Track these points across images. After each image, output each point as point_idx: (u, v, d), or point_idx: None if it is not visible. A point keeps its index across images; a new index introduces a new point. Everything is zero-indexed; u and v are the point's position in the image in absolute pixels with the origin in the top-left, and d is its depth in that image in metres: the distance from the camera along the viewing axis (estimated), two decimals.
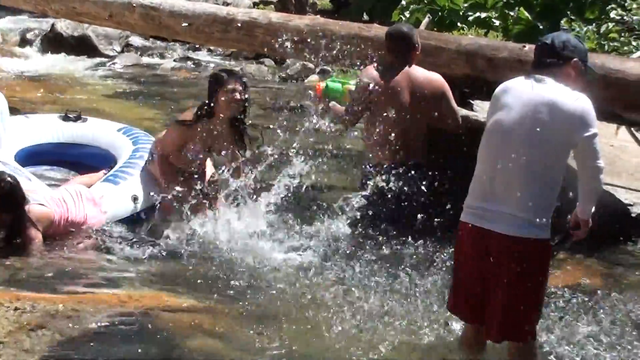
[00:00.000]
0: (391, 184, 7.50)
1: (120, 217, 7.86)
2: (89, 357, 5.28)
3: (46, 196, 7.41)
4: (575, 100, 5.17)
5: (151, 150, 8.14)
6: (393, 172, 7.54)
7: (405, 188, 7.48)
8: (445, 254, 6.89)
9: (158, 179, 7.96)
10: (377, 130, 7.66)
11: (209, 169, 8.13)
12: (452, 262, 5.66)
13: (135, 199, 7.94)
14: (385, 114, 7.61)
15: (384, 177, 7.54)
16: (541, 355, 5.72)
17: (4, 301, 5.77)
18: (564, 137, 5.18)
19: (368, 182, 7.68)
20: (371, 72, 7.79)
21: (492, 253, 5.22)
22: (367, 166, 7.84)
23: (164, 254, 7.31)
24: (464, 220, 5.37)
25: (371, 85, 7.66)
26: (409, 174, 7.54)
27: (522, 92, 5.25)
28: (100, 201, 7.69)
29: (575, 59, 5.30)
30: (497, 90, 5.42)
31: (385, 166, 7.66)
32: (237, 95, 7.69)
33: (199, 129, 7.73)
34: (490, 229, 5.22)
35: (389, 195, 7.52)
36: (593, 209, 5.40)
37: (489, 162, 5.30)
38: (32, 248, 7.06)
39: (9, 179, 7.06)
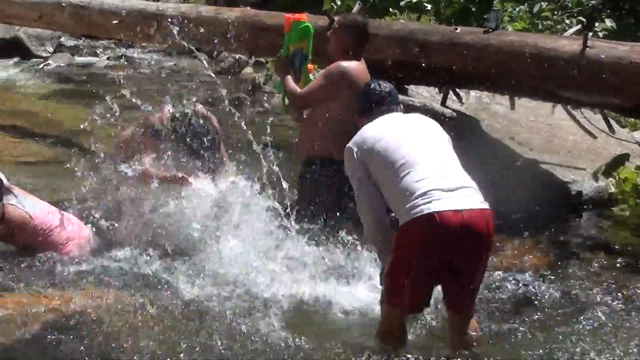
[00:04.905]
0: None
1: None
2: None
3: (39, 204, 7.32)
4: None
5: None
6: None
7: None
8: None
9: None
10: (336, 122, 7.32)
11: None
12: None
13: None
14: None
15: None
16: (486, 337, 5.78)
17: None
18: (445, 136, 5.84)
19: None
20: (352, 63, 7.41)
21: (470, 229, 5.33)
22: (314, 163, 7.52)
23: (112, 254, 7.25)
24: (428, 211, 5.34)
25: (349, 76, 7.32)
26: None
27: (393, 121, 5.84)
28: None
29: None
30: (361, 134, 5.83)
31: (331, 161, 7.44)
32: None
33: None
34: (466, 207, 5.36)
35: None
36: None
37: (417, 165, 5.48)
38: None
39: None
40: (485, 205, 5.43)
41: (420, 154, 5.52)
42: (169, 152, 7.51)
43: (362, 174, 5.70)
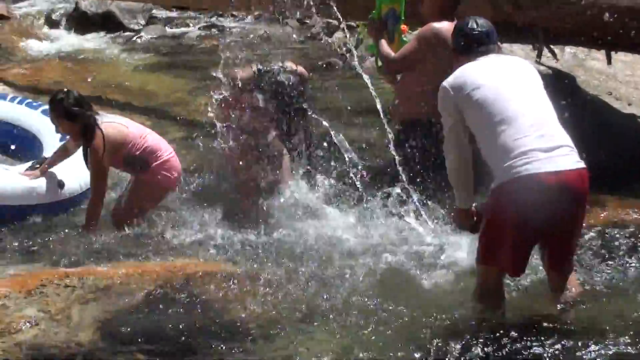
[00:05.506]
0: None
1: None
2: (139, 328, 5.32)
3: (123, 117, 7.66)
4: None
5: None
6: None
7: None
8: None
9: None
10: (431, 84, 7.22)
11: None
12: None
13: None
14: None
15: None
16: (586, 289, 5.75)
17: (54, 278, 5.83)
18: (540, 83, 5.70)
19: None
20: (444, 24, 7.32)
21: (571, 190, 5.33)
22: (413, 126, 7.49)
23: (211, 223, 7.40)
24: (527, 172, 5.30)
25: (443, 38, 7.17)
26: None
27: (491, 67, 5.67)
28: None
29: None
30: (458, 76, 5.69)
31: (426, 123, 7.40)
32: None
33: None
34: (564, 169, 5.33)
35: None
36: None
37: (516, 121, 5.41)
38: (94, 157, 7.22)
39: (75, 93, 7.39)
40: (582, 164, 5.38)
41: (519, 109, 5.44)
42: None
43: (455, 115, 5.66)
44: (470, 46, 5.81)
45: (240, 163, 7.77)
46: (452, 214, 6.16)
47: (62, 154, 7.75)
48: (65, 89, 7.50)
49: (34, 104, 8.82)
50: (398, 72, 7.53)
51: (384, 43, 7.52)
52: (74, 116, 7.23)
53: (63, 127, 7.38)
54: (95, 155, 7.21)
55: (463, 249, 6.47)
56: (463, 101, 5.57)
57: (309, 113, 7.67)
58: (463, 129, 5.64)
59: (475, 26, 5.84)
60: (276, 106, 7.53)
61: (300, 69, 7.76)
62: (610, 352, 5.12)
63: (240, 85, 7.60)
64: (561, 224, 5.40)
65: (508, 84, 5.57)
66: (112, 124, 7.35)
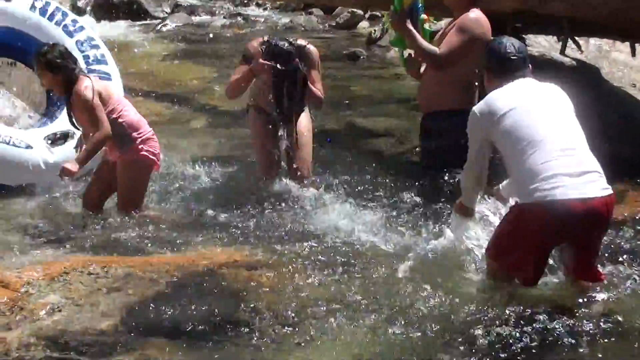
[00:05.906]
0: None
1: None
2: (162, 317, 5.33)
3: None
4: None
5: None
6: None
7: None
8: None
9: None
10: (462, 74, 7.24)
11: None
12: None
13: None
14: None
15: None
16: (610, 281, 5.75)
17: (77, 266, 5.85)
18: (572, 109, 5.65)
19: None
20: (482, 15, 7.27)
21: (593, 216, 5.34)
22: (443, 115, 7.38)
23: (234, 212, 7.37)
24: (553, 198, 5.28)
25: (484, 30, 7.20)
26: None
27: (522, 92, 5.62)
28: None
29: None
30: (488, 103, 5.65)
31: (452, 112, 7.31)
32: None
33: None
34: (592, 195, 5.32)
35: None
36: None
37: (544, 145, 5.39)
38: (84, 97, 7.00)
39: (62, 48, 7.28)
40: (609, 191, 5.38)
41: (547, 133, 5.42)
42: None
43: (482, 141, 5.66)
44: (507, 71, 5.73)
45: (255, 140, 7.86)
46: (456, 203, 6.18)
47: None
48: (52, 43, 7.46)
49: (70, 29, 8.72)
50: (445, 68, 7.34)
51: (420, 38, 7.32)
52: (56, 68, 7.07)
53: (46, 80, 7.22)
54: (84, 94, 7.02)
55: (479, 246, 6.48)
56: (492, 127, 5.55)
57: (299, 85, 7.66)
58: (488, 153, 5.70)
59: (513, 50, 5.73)
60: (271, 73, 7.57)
61: (311, 46, 7.77)
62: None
63: (248, 54, 7.68)
64: (581, 243, 5.46)
65: (538, 108, 5.54)
66: (98, 79, 7.37)
